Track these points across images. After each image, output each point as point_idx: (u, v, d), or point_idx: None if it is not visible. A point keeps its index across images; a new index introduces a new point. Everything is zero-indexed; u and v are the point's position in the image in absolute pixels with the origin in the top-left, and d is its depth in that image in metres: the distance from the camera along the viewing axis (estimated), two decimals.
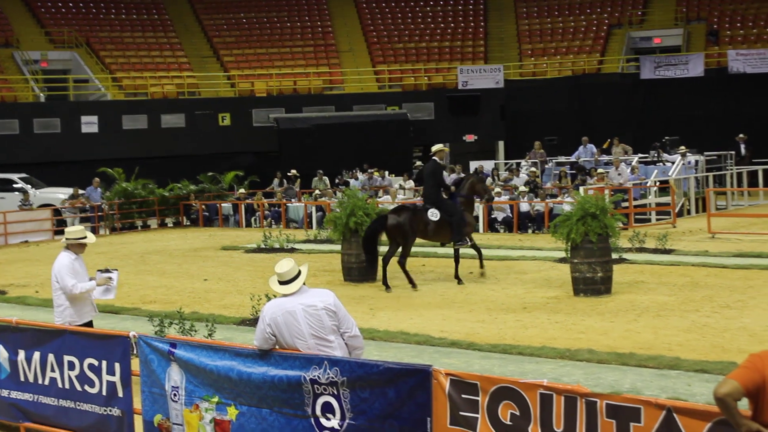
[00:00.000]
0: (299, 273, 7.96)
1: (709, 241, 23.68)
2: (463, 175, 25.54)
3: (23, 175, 36.15)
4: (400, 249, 18.85)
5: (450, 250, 23.12)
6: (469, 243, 19.12)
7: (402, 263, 18.66)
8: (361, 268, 19.64)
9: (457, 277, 18.91)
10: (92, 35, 47.41)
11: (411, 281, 18.49)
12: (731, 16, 45.79)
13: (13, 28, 46.37)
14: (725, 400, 5.42)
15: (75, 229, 11.04)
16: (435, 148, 19.41)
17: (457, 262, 19.16)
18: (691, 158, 31.91)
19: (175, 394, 8.39)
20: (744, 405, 5.53)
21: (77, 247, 10.83)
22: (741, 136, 36.74)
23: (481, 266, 19.44)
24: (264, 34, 50.01)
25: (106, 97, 44.14)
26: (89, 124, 42.00)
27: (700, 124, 39.26)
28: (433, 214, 18.80)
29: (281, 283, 7.93)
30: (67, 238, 10.89)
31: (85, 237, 10.87)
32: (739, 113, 39.62)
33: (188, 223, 35.57)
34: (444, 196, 19.19)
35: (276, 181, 37.82)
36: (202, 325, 12.84)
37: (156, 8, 50.55)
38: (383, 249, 19.20)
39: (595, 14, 48.55)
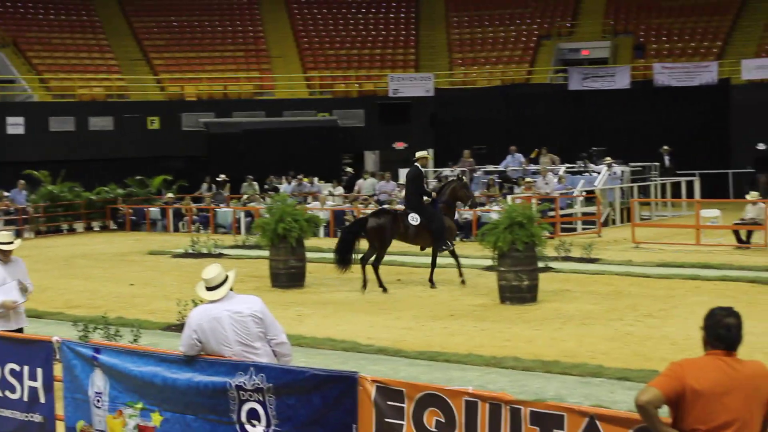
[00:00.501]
0: (226, 278, 7.93)
1: (633, 250, 24.01)
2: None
3: None
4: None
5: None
6: (451, 248, 19.37)
7: (375, 266, 18.93)
8: (288, 274, 19.59)
9: (431, 280, 19.19)
10: (20, 35, 46.68)
11: (381, 285, 18.77)
12: (657, 30, 46.53)
13: None
14: (646, 407, 5.50)
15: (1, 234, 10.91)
16: (418, 154, 19.91)
17: (433, 266, 19.36)
18: (617, 169, 32.35)
19: (98, 400, 8.30)
20: (665, 412, 5.63)
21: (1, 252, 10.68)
22: (665, 147, 37.29)
23: (460, 275, 19.37)
24: (195, 38, 49.66)
25: (32, 98, 43.50)
26: (15, 125, 41.35)
27: (626, 136, 39.78)
28: (413, 219, 19.12)
29: (208, 289, 7.89)
30: None
31: (8, 243, 10.69)
32: (663, 125, 40.21)
33: (115, 227, 35.16)
34: (426, 200, 19.50)
35: (204, 185, 37.58)
36: (128, 330, 12.71)
37: (85, 9, 49.94)
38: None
39: (524, 25, 48.99)
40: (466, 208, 22.63)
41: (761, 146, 37.27)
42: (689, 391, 5.51)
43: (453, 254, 19.47)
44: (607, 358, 12.26)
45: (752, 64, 40.87)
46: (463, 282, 19.14)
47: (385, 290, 18.68)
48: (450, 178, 24.38)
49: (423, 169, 19.93)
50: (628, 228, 27.31)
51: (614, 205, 30.83)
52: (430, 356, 12.60)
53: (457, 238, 27.89)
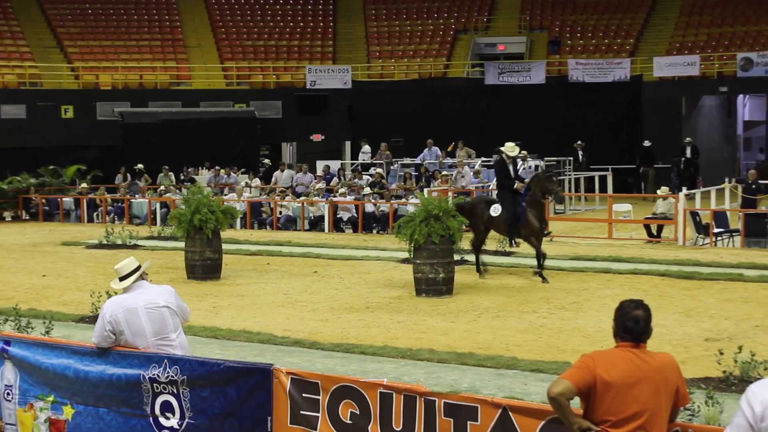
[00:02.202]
0: (138, 268, 7.87)
1: (547, 243, 24.24)
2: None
3: None
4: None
5: (294, 249, 23.15)
6: (515, 245, 19.63)
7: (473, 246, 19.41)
8: (204, 266, 19.43)
9: (540, 274, 18.41)
10: None
11: (478, 269, 19.12)
12: (572, 26, 47.09)
13: None
14: (558, 399, 5.59)
15: None
16: (507, 144, 19.95)
17: (538, 259, 18.59)
18: (532, 163, 32.71)
19: (8, 393, 8.18)
20: (576, 404, 5.72)
21: None
22: (579, 143, 37.86)
23: (540, 274, 18.42)
24: (110, 26, 48.93)
25: None
26: None
27: (541, 130, 40.22)
28: (495, 210, 19.10)
29: (120, 279, 7.83)
30: None
31: None
32: (577, 120, 40.76)
33: (27, 218, 34.58)
34: (516, 190, 19.20)
35: (119, 176, 37.15)
36: (40, 322, 12.52)
37: None
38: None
39: (441, 19, 49.21)
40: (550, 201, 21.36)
41: (647, 143, 38.16)
42: (600, 383, 5.62)
43: (537, 252, 18.66)
44: (520, 350, 12.41)
45: (663, 61, 41.59)
46: (543, 280, 18.20)
47: (480, 273, 18.98)
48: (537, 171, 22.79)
49: (508, 159, 19.57)
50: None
51: None
52: (346, 348, 12.63)
53: (374, 231, 28.01)
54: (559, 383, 5.61)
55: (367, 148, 37.30)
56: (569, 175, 34.90)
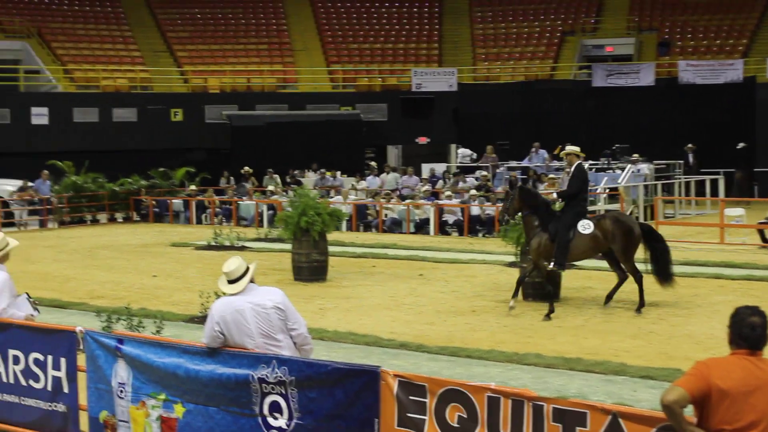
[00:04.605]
0: (247, 270, 7.92)
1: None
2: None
3: None
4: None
5: (400, 252, 23.13)
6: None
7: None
8: (311, 268, 19.58)
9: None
10: (44, 26, 46.84)
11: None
12: (682, 27, 46.29)
13: None
14: (672, 407, 5.48)
15: None
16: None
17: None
18: (641, 166, 32.21)
19: (121, 391, 8.32)
20: (689, 412, 5.60)
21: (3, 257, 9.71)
22: (690, 146, 37.15)
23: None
24: (218, 30, 49.75)
25: (57, 88, 43.64)
26: (39, 116, 41.51)
27: (649, 133, 39.60)
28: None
29: (229, 282, 7.89)
30: None
31: (6, 245, 9.72)
32: (688, 123, 40.03)
33: (138, 219, 35.29)
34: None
35: (223, 179, 37.70)
36: (150, 321, 12.75)
37: (109, 0, 50.06)
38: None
39: (548, 21, 48.85)
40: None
41: (741, 145, 37.26)
42: (715, 391, 5.49)
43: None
44: (629, 356, 12.22)
45: None
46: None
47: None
48: None
49: (570, 168, 16.86)
50: (651, 226, 27.16)
51: (638, 202, 30.68)
52: (451, 351, 12.59)
53: (479, 234, 27.85)
54: (673, 390, 5.50)
55: (463, 151, 37.15)
56: (679, 178, 34.28)
